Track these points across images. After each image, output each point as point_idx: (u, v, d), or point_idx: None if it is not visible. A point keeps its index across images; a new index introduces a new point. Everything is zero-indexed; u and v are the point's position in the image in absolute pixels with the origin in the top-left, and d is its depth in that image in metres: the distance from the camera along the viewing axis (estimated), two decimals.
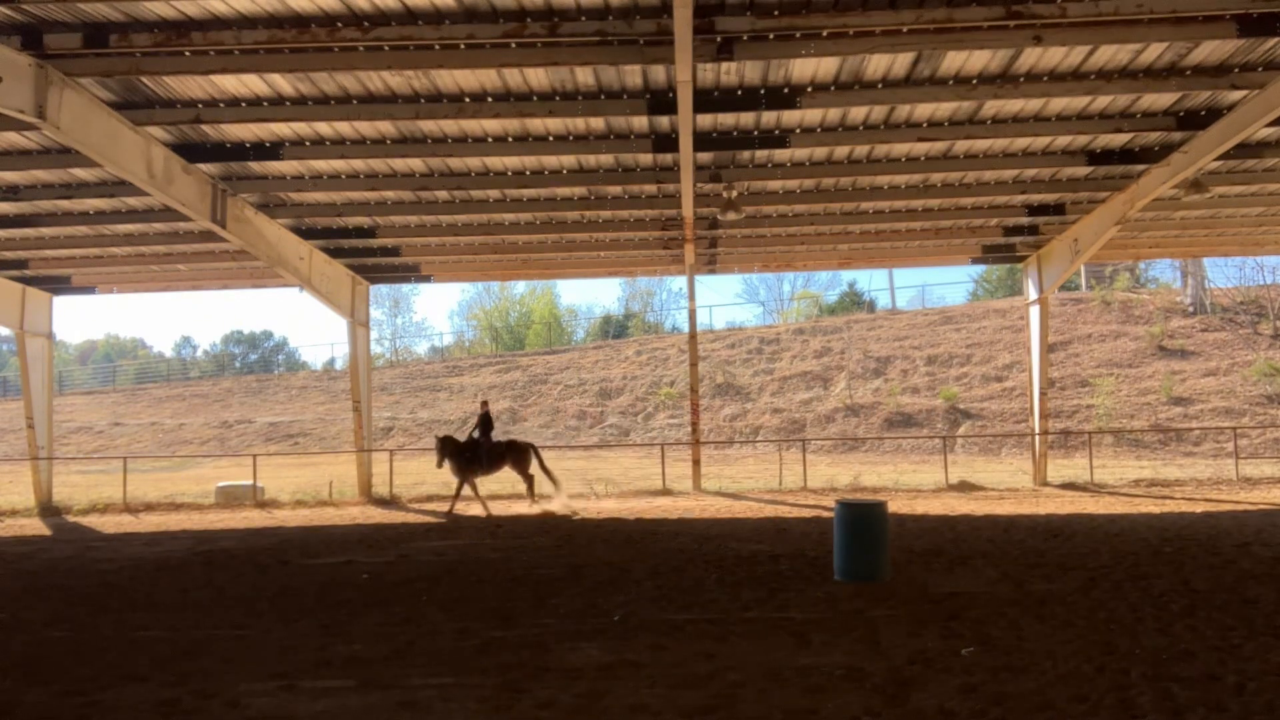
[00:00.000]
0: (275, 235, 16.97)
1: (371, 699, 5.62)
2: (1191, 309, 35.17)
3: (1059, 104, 12.90)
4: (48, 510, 19.02)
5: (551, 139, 13.71)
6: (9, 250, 18.61)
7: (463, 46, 10.63)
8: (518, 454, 16.84)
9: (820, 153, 14.64)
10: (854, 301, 48.32)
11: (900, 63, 11.53)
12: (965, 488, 18.98)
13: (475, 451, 16.59)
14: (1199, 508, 14.30)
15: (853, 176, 15.61)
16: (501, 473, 17.12)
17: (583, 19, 10.21)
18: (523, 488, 17.29)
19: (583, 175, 15.30)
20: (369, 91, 12.06)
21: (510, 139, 13.72)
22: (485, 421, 17.11)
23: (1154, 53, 11.34)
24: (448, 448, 16.40)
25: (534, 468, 16.81)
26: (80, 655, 6.83)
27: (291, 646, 6.93)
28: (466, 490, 16.99)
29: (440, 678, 6.04)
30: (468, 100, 12.31)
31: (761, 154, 14.52)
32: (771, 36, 10.54)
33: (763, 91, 12.23)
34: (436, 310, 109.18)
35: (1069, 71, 11.87)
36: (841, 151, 14.61)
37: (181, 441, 36.75)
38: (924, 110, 12.97)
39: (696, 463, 20.12)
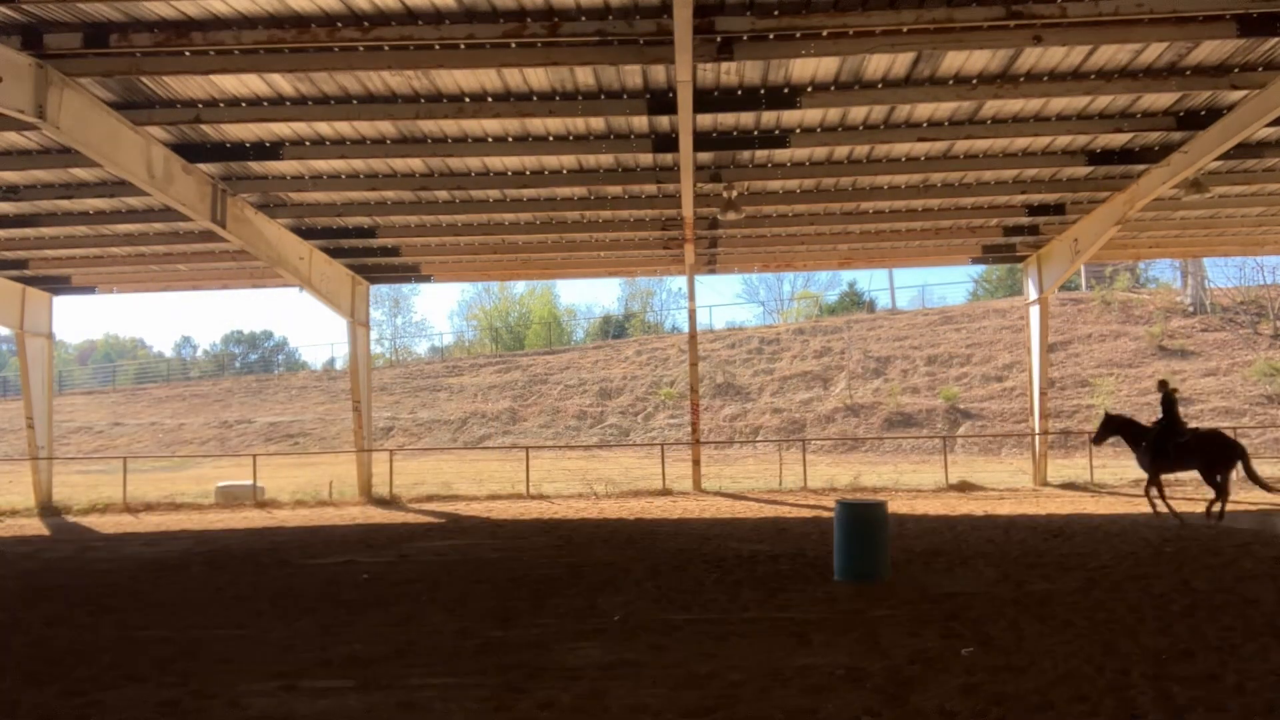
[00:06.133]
0: (275, 235, 16.97)
1: (371, 699, 5.62)
2: (1191, 309, 35.18)
3: (1059, 104, 12.90)
4: (48, 510, 19.03)
5: (551, 139, 13.71)
6: (9, 250, 18.61)
7: (463, 46, 10.63)
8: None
9: (820, 153, 14.64)
10: (854, 301, 48.32)
11: (900, 63, 11.53)
12: (965, 488, 18.98)
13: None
14: (1199, 508, 14.27)
15: (853, 176, 15.61)
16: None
17: (583, 19, 10.21)
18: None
19: (583, 175, 15.29)
20: (369, 91, 12.06)
21: (510, 139, 13.72)
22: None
23: (1154, 53, 11.34)
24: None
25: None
26: (80, 655, 6.83)
27: (291, 646, 6.93)
28: None
29: (440, 678, 6.04)
30: (468, 100, 12.30)
31: (761, 154, 14.51)
32: (771, 36, 10.54)
33: (763, 91, 12.23)
34: (436, 310, 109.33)
35: (1069, 71, 11.86)
36: (841, 151, 14.61)
37: (181, 441, 36.75)
38: (924, 110, 12.96)
39: (696, 463, 20.13)
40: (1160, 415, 13.68)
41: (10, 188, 15.30)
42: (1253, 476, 12.98)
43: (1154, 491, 13.52)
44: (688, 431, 24.60)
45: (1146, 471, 13.54)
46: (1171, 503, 13.40)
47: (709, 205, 16.54)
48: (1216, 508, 12.90)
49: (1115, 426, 13.87)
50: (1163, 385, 14.15)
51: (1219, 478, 12.88)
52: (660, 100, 12.26)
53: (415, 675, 6.10)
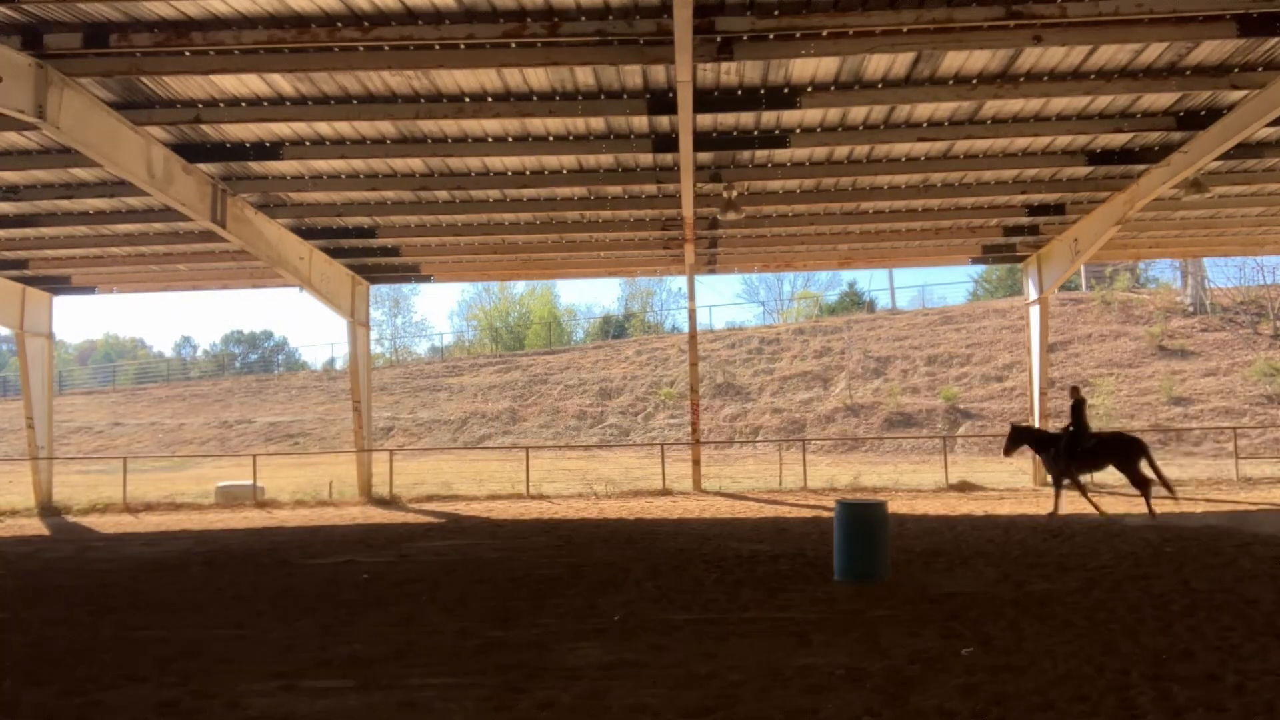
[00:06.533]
0: (275, 235, 16.97)
1: (371, 699, 5.62)
2: (1191, 309, 35.18)
3: (1059, 104, 12.89)
4: (48, 510, 19.02)
5: (551, 139, 13.71)
6: (9, 250, 18.61)
7: (463, 46, 10.63)
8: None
9: (820, 153, 14.64)
10: (854, 301, 48.34)
11: (900, 63, 11.53)
12: (965, 488, 18.97)
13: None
14: (1199, 508, 14.29)
15: (853, 176, 15.60)
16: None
17: (583, 19, 10.20)
18: None
19: (583, 175, 15.29)
20: (369, 91, 12.06)
21: (510, 139, 13.71)
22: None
23: (1154, 53, 11.34)
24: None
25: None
26: (80, 655, 6.83)
27: (291, 646, 6.93)
28: None
29: (440, 678, 6.04)
30: (468, 100, 12.30)
31: (761, 154, 14.51)
32: (771, 36, 10.54)
33: (763, 91, 12.23)
34: (436, 310, 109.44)
35: (1069, 71, 11.86)
36: (841, 151, 14.60)
37: (181, 441, 36.76)
38: (924, 110, 12.96)
39: (696, 463, 20.13)
40: (1069, 421, 14.34)
41: (10, 188, 15.30)
42: (1156, 472, 13.65)
43: (1061, 491, 14.45)
44: (688, 431, 24.61)
45: (1051, 474, 14.55)
46: (1063, 502, 14.36)
47: (709, 205, 16.53)
48: (1165, 497, 13.75)
49: (1021, 437, 14.67)
50: (1074, 392, 14.95)
51: (1135, 472, 13.70)
52: (660, 100, 12.25)
53: (415, 675, 6.10)
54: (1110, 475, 20.33)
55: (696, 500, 18.03)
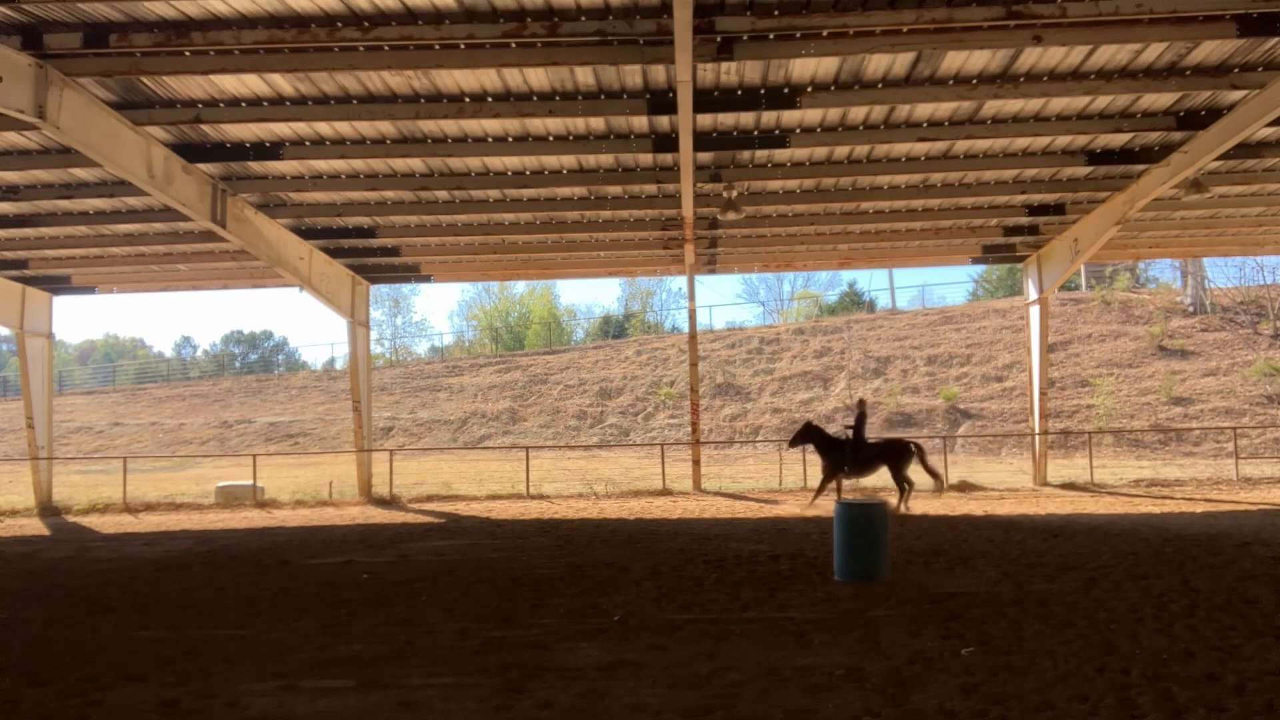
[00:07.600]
0: (275, 235, 16.97)
1: (371, 699, 5.62)
2: (1191, 309, 35.17)
3: (1059, 104, 12.90)
4: (48, 510, 19.03)
5: (551, 139, 13.71)
6: (9, 250, 18.61)
7: (463, 46, 10.63)
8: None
9: (820, 153, 14.64)
10: (854, 301, 48.34)
11: (900, 63, 11.53)
12: (965, 488, 18.96)
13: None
14: (1199, 508, 14.30)
15: (853, 176, 15.61)
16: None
17: (583, 19, 10.21)
18: None
19: (583, 175, 15.29)
20: (369, 91, 12.06)
21: (510, 139, 13.72)
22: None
23: (1154, 53, 11.34)
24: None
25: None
26: (80, 655, 6.83)
27: (291, 646, 6.93)
28: None
29: (440, 678, 6.04)
30: (468, 100, 12.31)
31: (761, 154, 14.51)
32: (771, 36, 10.54)
33: (763, 91, 12.23)
34: (436, 310, 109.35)
35: (1069, 71, 11.87)
36: (841, 151, 14.61)
37: (181, 441, 36.75)
38: (924, 110, 12.96)
39: (696, 463, 20.13)
40: (852, 427, 15.19)
41: (10, 188, 15.30)
42: (930, 471, 15.18)
43: (831, 488, 15.70)
44: (688, 431, 24.61)
45: (833, 473, 15.47)
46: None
47: (709, 205, 16.54)
48: (909, 500, 14.96)
49: (808, 435, 15.43)
50: (861, 404, 16.23)
51: (901, 473, 14.93)
52: (660, 100, 12.26)
53: (415, 675, 6.10)
54: (1111, 474, 20.39)
55: (696, 500, 18.03)
